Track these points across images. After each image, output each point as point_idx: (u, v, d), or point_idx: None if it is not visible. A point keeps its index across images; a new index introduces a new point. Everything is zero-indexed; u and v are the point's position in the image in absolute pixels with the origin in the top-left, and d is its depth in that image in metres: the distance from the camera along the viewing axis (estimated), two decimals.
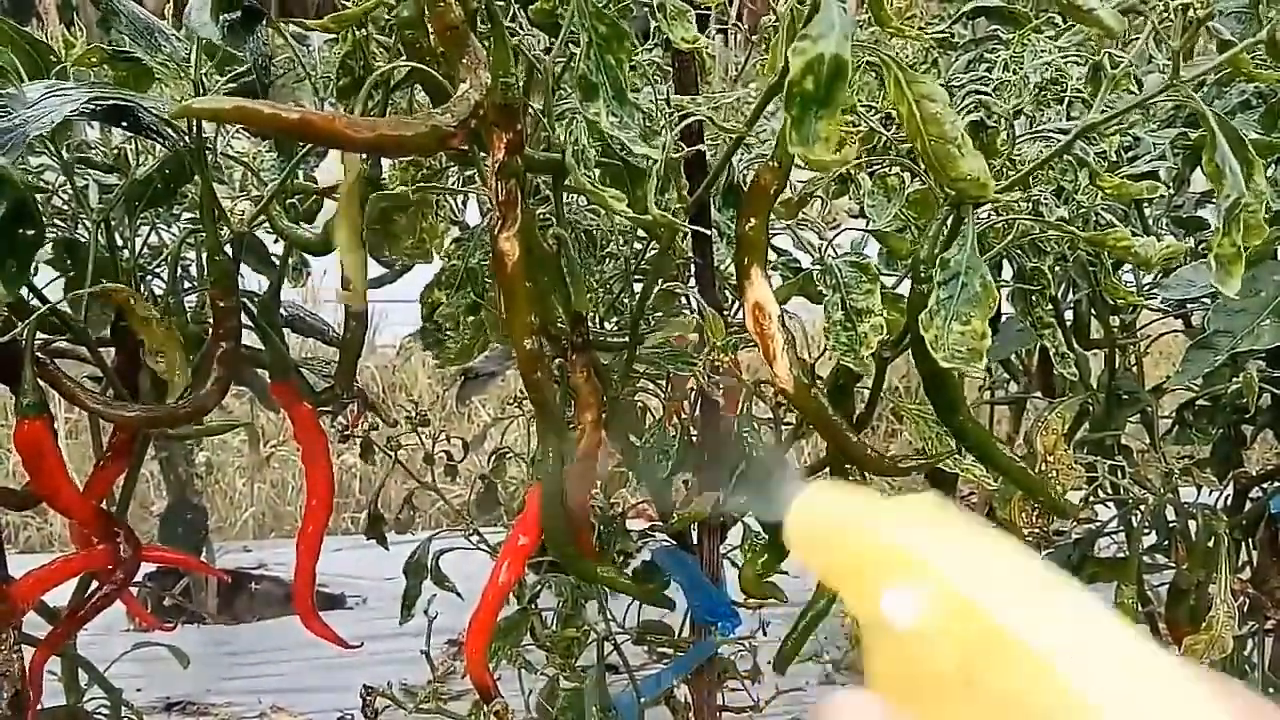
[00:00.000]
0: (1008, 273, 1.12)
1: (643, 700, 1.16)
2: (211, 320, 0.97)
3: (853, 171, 0.97)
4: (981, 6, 0.96)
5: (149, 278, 1.24)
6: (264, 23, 0.94)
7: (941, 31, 1.10)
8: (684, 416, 1.06)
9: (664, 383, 1.21)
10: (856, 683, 0.31)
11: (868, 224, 0.89)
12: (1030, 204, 0.87)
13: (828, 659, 2.04)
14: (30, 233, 0.74)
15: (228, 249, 1.00)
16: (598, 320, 1.14)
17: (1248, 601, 1.27)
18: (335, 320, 1.24)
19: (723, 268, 1.08)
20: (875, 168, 0.87)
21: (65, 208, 1.13)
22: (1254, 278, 0.85)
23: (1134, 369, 1.36)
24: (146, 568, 2.22)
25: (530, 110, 0.80)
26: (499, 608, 0.98)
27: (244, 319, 1.07)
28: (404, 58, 0.78)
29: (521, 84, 0.75)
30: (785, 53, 0.63)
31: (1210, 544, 1.15)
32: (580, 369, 0.85)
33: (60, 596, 1.09)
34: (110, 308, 1.03)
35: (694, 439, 1.09)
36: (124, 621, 1.96)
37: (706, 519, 1.09)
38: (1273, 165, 1.07)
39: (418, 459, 1.46)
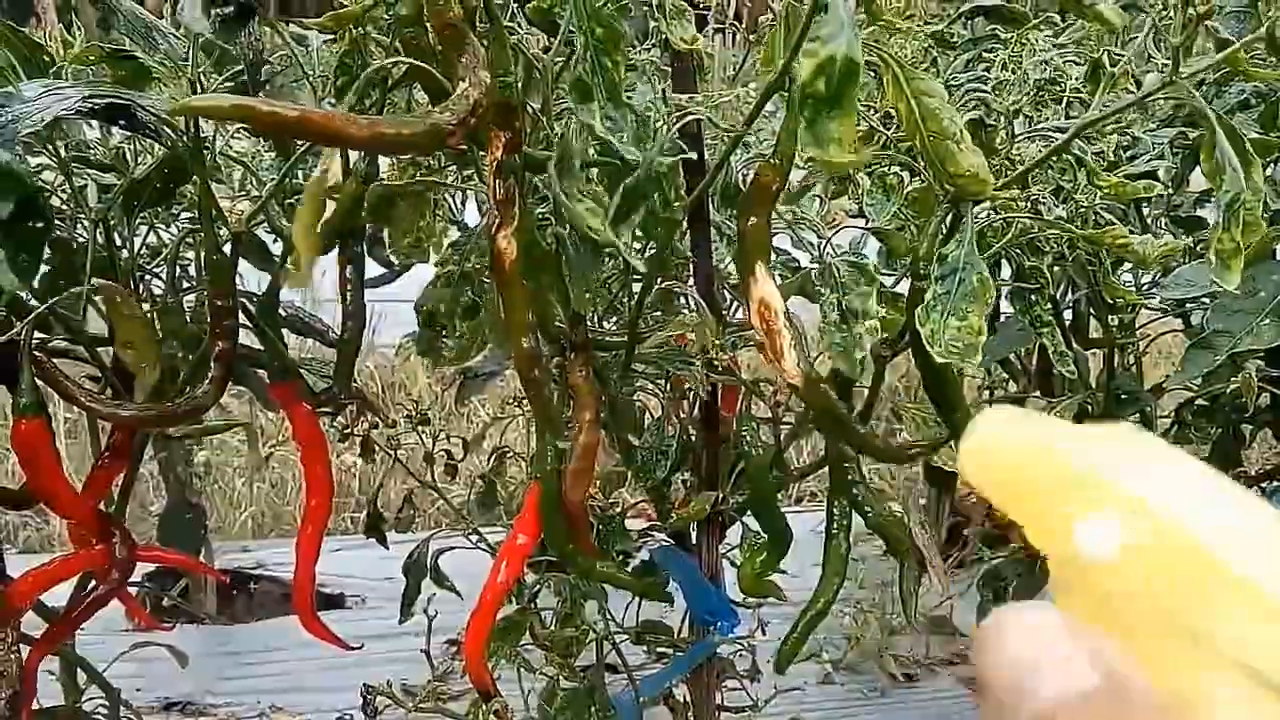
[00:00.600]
0: (1006, 272, 1.12)
1: (642, 700, 1.16)
2: (209, 320, 0.96)
3: (851, 171, 0.97)
4: (980, 6, 0.96)
5: (148, 277, 1.24)
6: (256, 19, 0.94)
7: (940, 31, 1.10)
8: (683, 416, 1.06)
9: (663, 382, 1.21)
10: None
11: (867, 223, 0.89)
12: (1029, 203, 0.87)
13: (827, 658, 2.04)
14: (39, 225, 0.74)
15: (226, 249, 1.00)
16: (596, 319, 1.14)
17: None
18: (334, 321, 1.24)
19: (721, 266, 1.08)
20: (874, 166, 0.87)
21: (64, 207, 1.13)
22: (1253, 278, 0.85)
23: (1133, 368, 1.36)
24: (145, 568, 2.23)
25: (530, 109, 0.79)
26: (498, 607, 0.98)
27: (243, 319, 1.07)
28: (402, 56, 0.78)
29: (520, 83, 0.75)
30: (783, 51, 0.63)
31: None
32: (579, 368, 0.84)
33: (59, 597, 1.09)
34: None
35: (692, 438, 1.09)
36: (123, 621, 1.95)
37: (705, 518, 1.09)
38: (1271, 164, 1.07)
39: (417, 459, 1.46)
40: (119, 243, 1.15)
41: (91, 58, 0.96)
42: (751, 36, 1.34)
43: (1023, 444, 0.29)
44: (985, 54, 1.03)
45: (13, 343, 0.88)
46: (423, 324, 0.85)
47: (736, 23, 1.49)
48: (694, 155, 0.92)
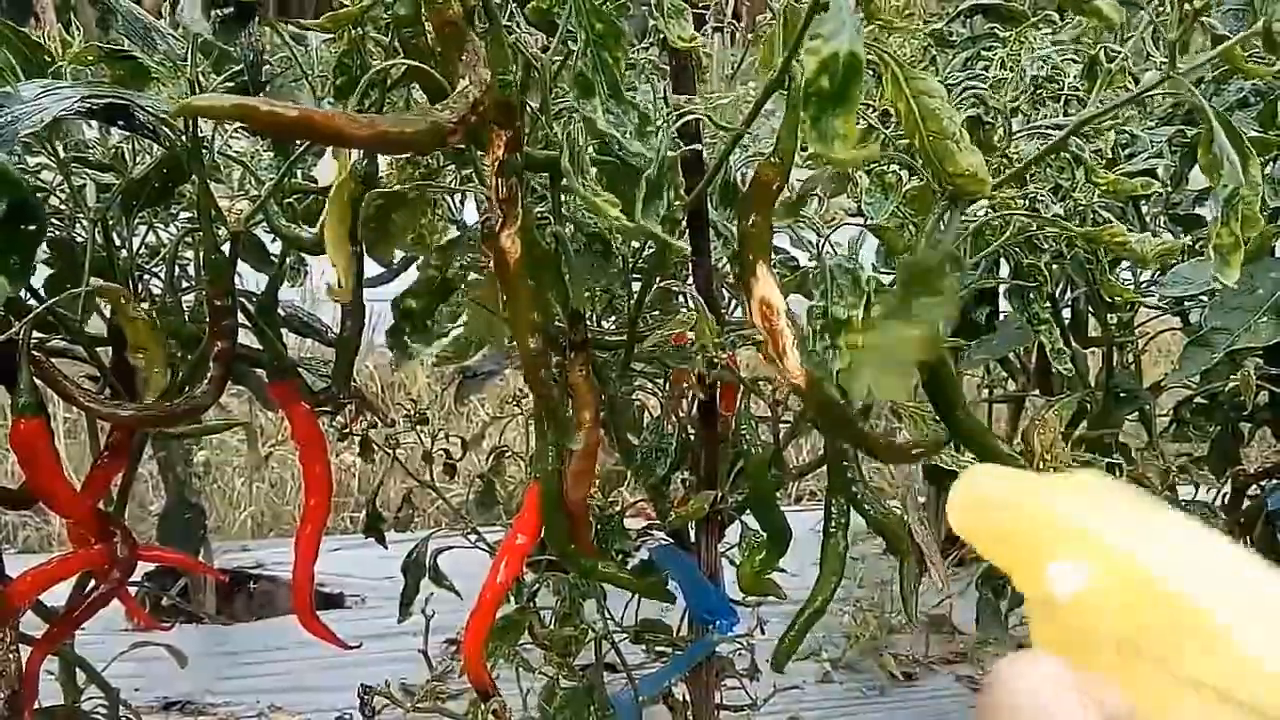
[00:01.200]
0: (1004, 270, 1.12)
1: (641, 699, 1.16)
2: (208, 319, 0.96)
3: (852, 169, 0.97)
4: (979, 4, 0.96)
5: (147, 277, 1.24)
6: (256, 19, 0.94)
7: (939, 29, 1.10)
8: (682, 415, 1.06)
9: (662, 381, 1.21)
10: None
11: (866, 221, 0.89)
12: (1027, 201, 0.87)
13: (826, 657, 2.04)
14: (32, 228, 0.74)
15: (224, 248, 1.00)
16: (595, 319, 1.14)
17: None
18: (333, 320, 1.24)
19: (720, 266, 1.08)
20: (873, 165, 0.87)
21: (63, 207, 1.13)
22: (1250, 275, 0.85)
23: (1132, 367, 1.36)
24: (145, 567, 2.22)
25: (529, 108, 0.79)
26: (497, 607, 0.98)
27: (242, 319, 1.07)
28: (401, 56, 0.78)
29: (519, 82, 0.75)
30: (782, 50, 0.63)
31: None
32: (579, 367, 0.85)
33: (58, 596, 1.09)
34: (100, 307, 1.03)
35: (691, 437, 1.09)
36: (122, 621, 1.95)
37: (704, 517, 1.09)
38: (1270, 162, 1.07)
39: (417, 458, 1.46)
40: (118, 243, 1.15)
41: (90, 58, 0.96)
42: (750, 36, 1.34)
43: (1002, 498, 0.33)
44: (984, 52, 1.03)
45: (11, 342, 0.88)
46: (398, 318, 0.85)
47: (735, 22, 1.50)
48: (693, 154, 0.92)
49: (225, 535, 3.12)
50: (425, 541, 1.34)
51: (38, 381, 0.92)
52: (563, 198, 0.84)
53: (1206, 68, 0.93)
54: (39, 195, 1.13)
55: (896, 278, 0.64)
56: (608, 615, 1.20)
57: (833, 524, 0.94)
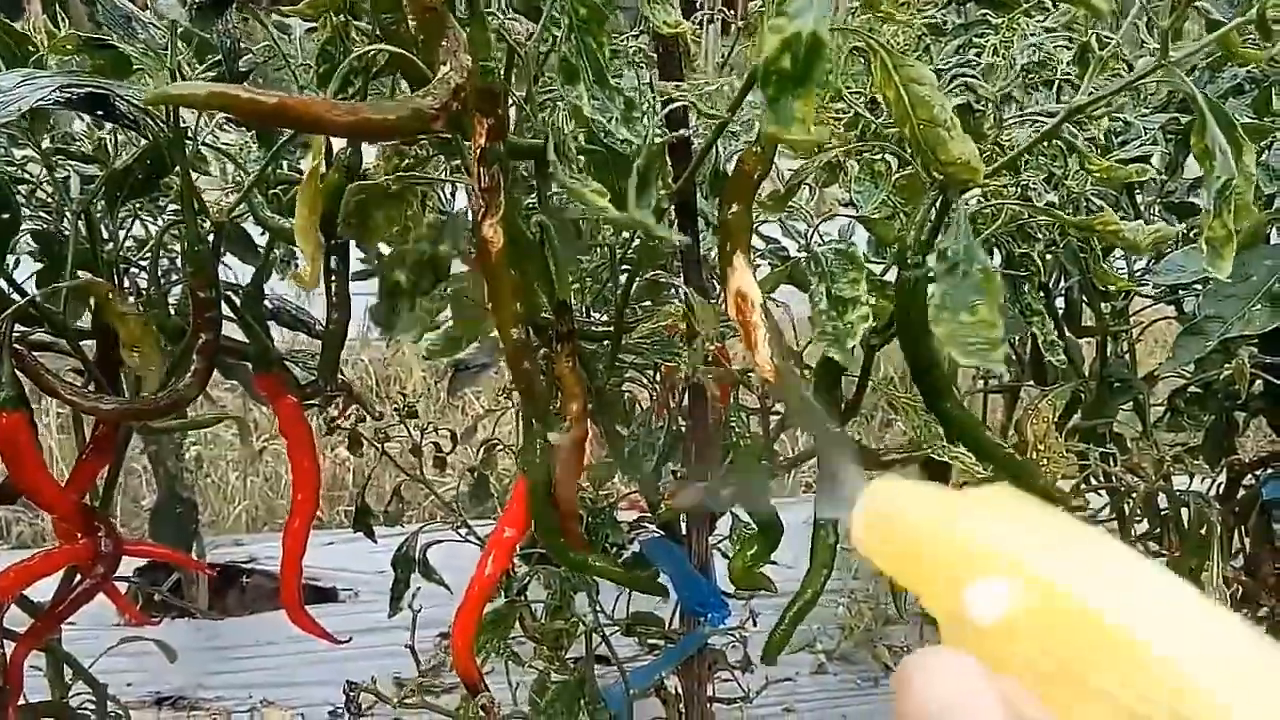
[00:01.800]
0: (997, 260, 1.11)
1: (632, 692, 1.15)
2: (191, 312, 0.95)
3: (841, 159, 0.96)
4: None
5: (132, 270, 1.23)
6: (234, 6, 0.92)
7: (931, 17, 1.09)
8: (672, 406, 1.05)
9: (652, 373, 1.20)
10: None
11: (857, 212, 0.88)
12: (1019, 189, 0.86)
13: (820, 648, 2.03)
14: (5, 217, 0.72)
15: (210, 240, 0.99)
16: (585, 310, 1.13)
17: (1240, 589, 1.27)
18: (323, 313, 1.23)
19: (710, 256, 1.07)
20: (863, 154, 0.86)
21: (49, 200, 1.12)
22: (1244, 263, 0.84)
23: (1126, 356, 1.35)
24: (137, 561, 2.21)
25: (513, 96, 0.78)
26: (485, 601, 0.97)
27: (229, 311, 1.06)
28: (383, 43, 0.77)
29: (502, 68, 0.74)
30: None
31: (1203, 531, 1.15)
32: (565, 359, 0.83)
33: (44, 592, 1.08)
34: (86, 301, 1.02)
35: (682, 429, 1.09)
36: (113, 616, 1.95)
37: (696, 509, 1.08)
38: (1265, 150, 1.06)
39: (409, 452, 1.45)
40: (105, 235, 1.14)
41: (69, 47, 0.94)
42: (741, 23, 1.32)
43: (911, 513, 0.32)
44: (976, 39, 1.02)
45: None
46: (386, 295, 0.84)
47: (728, 10, 1.48)
48: (682, 142, 0.91)
49: (219, 529, 3.12)
50: (415, 536, 1.33)
51: (21, 375, 0.91)
52: (552, 186, 0.83)
53: (1200, 54, 0.92)
54: (25, 188, 1.12)
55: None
56: (599, 608, 1.20)
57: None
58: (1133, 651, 0.26)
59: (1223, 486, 1.33)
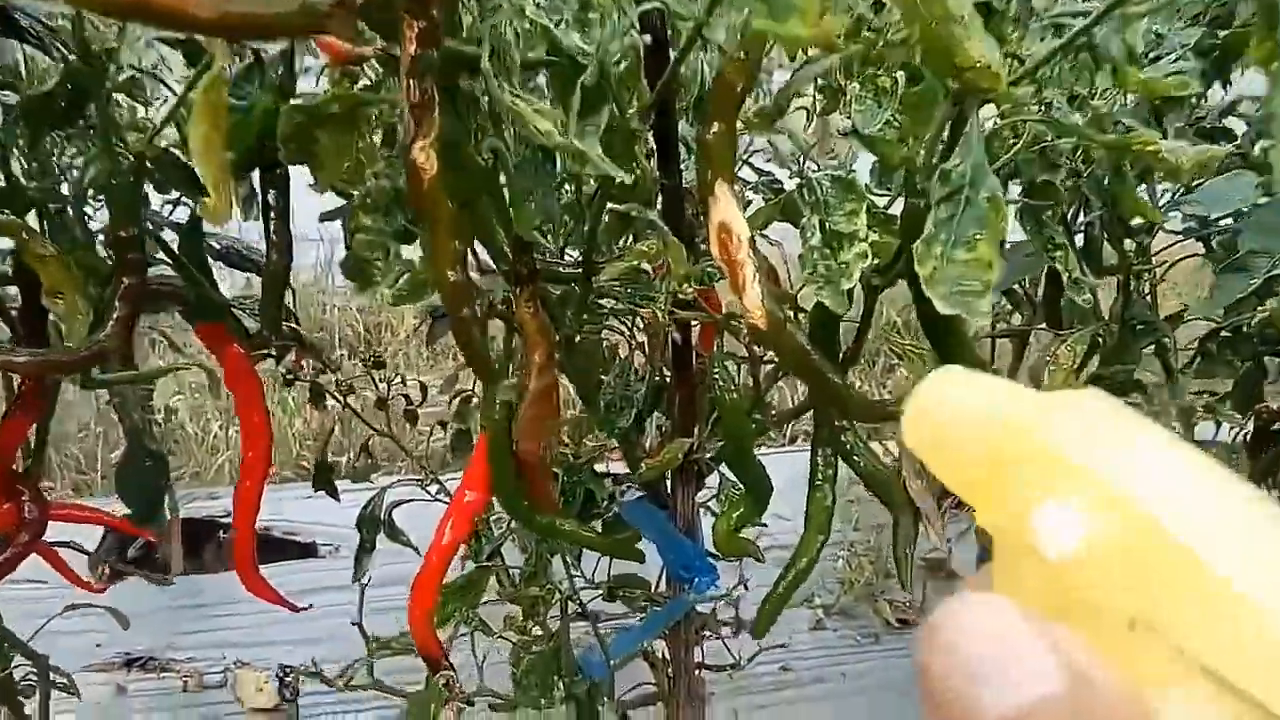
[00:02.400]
0: (1014, 192, 1.01)
1: (613, 661, 1.07)
2: (113, 253, 0.85)
3: (839, 78, 0.85)
4: None
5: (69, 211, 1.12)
6: None
7: None
8: (653, 355, 0.95)
9: (630, 319, 1.11)
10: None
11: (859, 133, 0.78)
12: (1041, 107, 0.75)
13: (819, 603, 1.96)
14: None
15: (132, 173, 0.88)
16: (560, 251, 1.03)
17: None
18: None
19: (693, 187, 0.97)
20: (864, 68, 0.75)
21: None
22: None
23: (1148, 298, 1.25)
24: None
25: None
26: (444, 569, 0.88)
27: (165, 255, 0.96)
28: None
29: None
30: None
31: None
32: (525, 303, 0.74)
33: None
34: None
35: (664, 380, 0.99)
36: (85, 573, 1.88)
37: (679, 467, 0.99)
38: None
39: (375, 405, 1.36)
40: (32, 169, 1.04)
41: None
42: None
43: (974, 411, 0.26)
44: None
45: None
46: (350, 244, 0.74)
47: None
48: (659, 53, 0.80)
49: (203, 480, 3.04)
50: (381, 495, 1.24)
51: None
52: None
53: None
54: None
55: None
56: (577, 572, 1.11)
57: (819, 476, 0.84)
58: (1236, 610, 0.21)
59: (1250, 436, 1.23)
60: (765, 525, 0.93)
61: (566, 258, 1.06)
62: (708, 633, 1.25)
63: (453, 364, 3.87)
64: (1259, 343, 1.09)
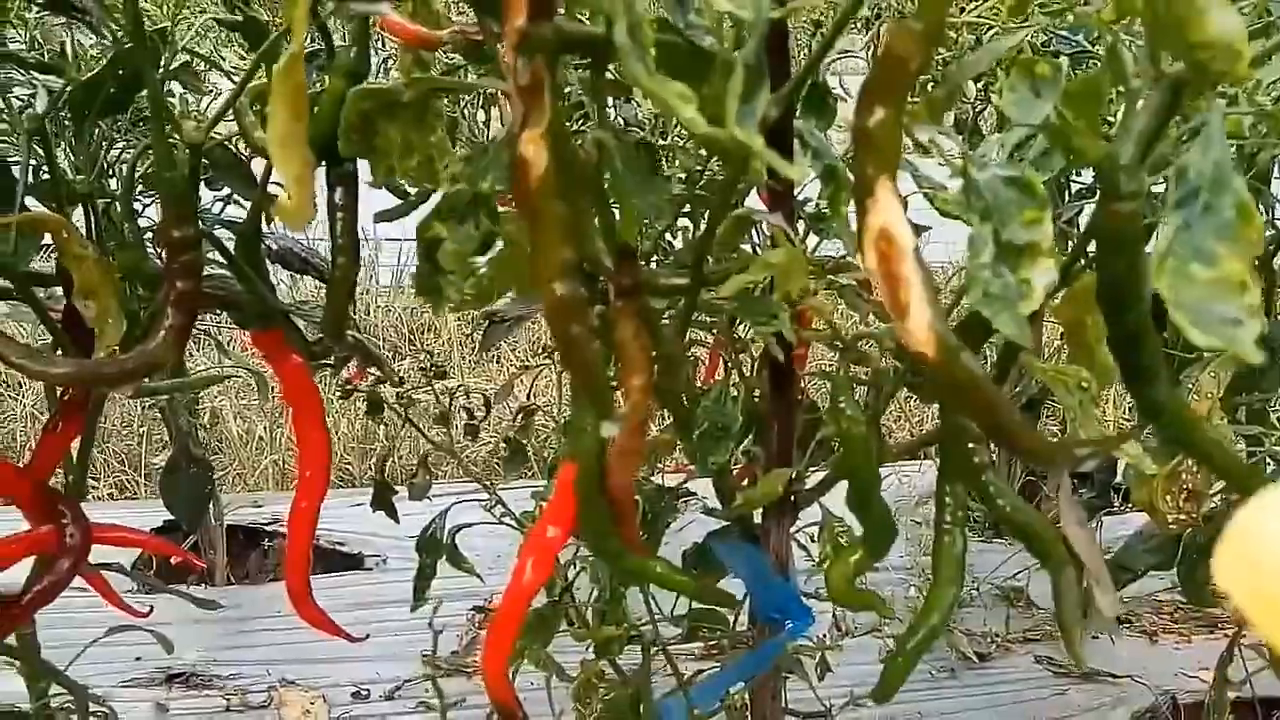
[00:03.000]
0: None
1: (696, 711, 0.97)
2: (164, 255, 0.77)
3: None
4: None
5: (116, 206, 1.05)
6: None
7: None
8: (756, 377, 0.86)
9: (717, 334, 1.01)
10: None
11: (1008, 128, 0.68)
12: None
13: (889, 633, 1.85)
14: None
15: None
16: (644, 259, 0.94)
17: None
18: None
19: (800, 193, 0.87)
20: (1024, 50, 0.66)
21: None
22: None
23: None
24: (154, 523, 2.06)
25: None
26: (524, 612, 0.79)
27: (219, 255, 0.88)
28: None
29: None
30: None
31: None
32: (628, 320, 0.64)
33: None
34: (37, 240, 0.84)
35: (757, 402, 0.90)
36: (127, 583, 1.81)
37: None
38: None
39: (436, 420, 1.28)
40: (72, 162, 0.96)
41: None
42: None
43: None
44: None
45: None
46: (422, 256, 0.65)
47: None
48: (775, 36, 0.71)
49: (246, 482, 2.98)
50: (443, 516, 1.16)
51: None
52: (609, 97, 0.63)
53: None
54: None
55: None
56: (657, 610, 1.02)
57: (948, 518, 0.74)
58: None
59: None
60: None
61: (651, 265, 0.97)
62: (791, 673, 1.15)
63: (495, 368, 3.80)
64: None
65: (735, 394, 0.89)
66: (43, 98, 0.93)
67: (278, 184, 0.78)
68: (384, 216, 1.10)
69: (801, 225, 0.96)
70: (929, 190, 0.67)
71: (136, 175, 0.92)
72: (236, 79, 1.00)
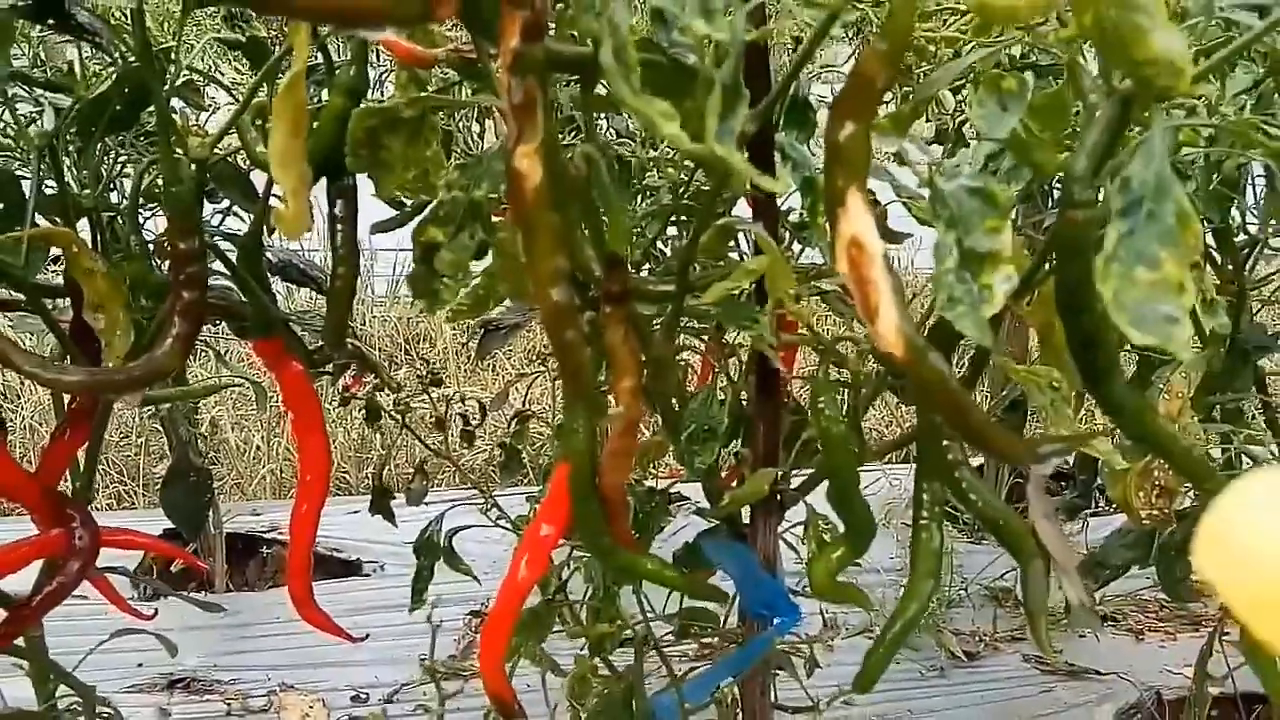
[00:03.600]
0: None
1: (687, 705, 1.00)
2: (170, 266, 0.80)
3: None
4: None
5: (120, 220, 1.08)
6: None
7: None
8: (743, 380, 0.89)
9: (707, 339, 1.04)
10: None
11: (978, 139, 0.71)
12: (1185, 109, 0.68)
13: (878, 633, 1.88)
14: None
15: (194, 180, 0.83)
16: (633, 266, 0.97)
17: None
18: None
19: (782, 202, 0.90)
20: (987, 66, 0.69)
21: (7, 140, 0.97)
22: None
23: (1253, 318, 1.17)
24: (154, 533, 2.08)
25: None
26: (519, 609, 0.82)
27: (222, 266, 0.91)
28: None
29: None
30: None
31: None
32: (616, 325, 0.67)
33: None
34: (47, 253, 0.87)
35: (744, 404, 0.93)
36: (129, 590, 1.83)
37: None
38: None
39: (433, 425, 1.31)
40: (78, 177, 0.99)
41: None
42: None
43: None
44: None
45: None
46: (418, 259, 0.68)
47: None
48: (756, 52, 0.74)
49: (244, 492, 3.01)
50: (439, 520, 1.18)
51: None
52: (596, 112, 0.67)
53: None
54: None
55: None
56: (650, 608, 1.05)
57: (925, 514, 0.77)
58: None
59: None
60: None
61: (639, 273, 1.00)
62: (781, 668, 1.18)
63: (490, 376, 3.82)
64: None
65: (723, 397, 0.92)
66: (50, 115, 0.96)
67: (277, 196, 0.81)
68: (380, 227, 1.13)
69: (786, 234, 1.00)
70: (907, 199, 0.71)
71: (141, 189, 0.94)
72: (233, 93, 1.04)
